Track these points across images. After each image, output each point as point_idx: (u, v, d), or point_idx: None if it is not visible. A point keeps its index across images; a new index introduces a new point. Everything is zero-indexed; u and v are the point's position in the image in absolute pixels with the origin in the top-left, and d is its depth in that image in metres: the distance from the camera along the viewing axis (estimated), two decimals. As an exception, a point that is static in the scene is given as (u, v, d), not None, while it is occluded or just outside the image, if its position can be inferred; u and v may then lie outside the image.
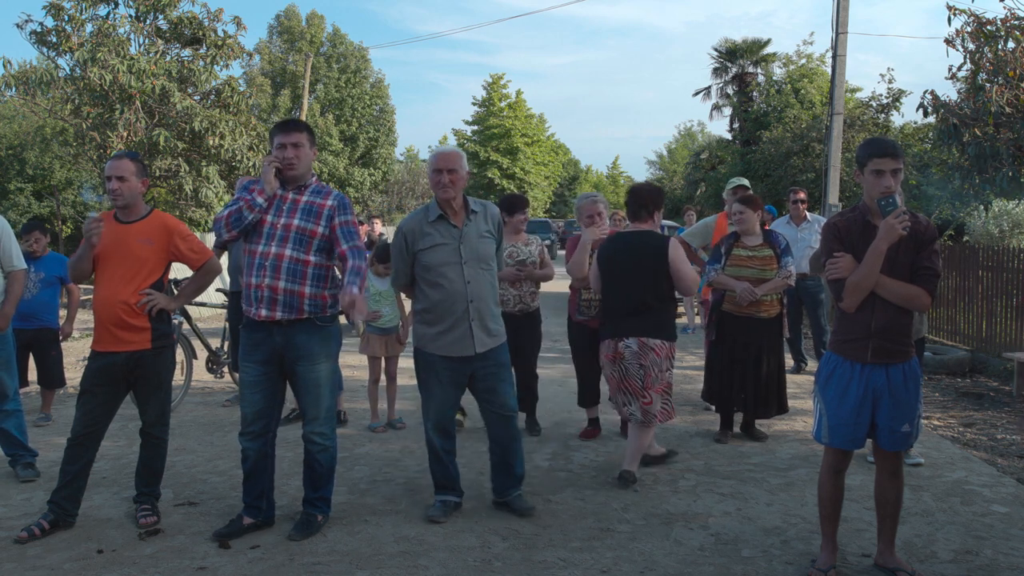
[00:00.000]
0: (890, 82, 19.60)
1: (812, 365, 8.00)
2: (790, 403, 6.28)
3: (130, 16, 14.49)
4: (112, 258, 3.86)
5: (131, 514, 4.04)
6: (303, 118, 24.93)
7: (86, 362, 4.00)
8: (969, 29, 9.65)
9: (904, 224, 3.00)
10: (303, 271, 3.64)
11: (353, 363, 8.50)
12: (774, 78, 28.52)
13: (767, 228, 5.61)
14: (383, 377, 6.00)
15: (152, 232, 3.91)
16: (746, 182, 7.03)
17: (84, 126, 13.80)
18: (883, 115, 19.45)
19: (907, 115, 37.28)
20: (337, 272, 3.82)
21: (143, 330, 3.88)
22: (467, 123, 44.97)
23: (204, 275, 4.08)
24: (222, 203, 14.78)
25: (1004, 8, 12.47)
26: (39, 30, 13.80)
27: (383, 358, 5.97)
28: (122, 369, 3.89)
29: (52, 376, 6.14)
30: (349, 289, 3.56)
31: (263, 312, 3.64)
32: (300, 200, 3.71)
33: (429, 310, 3.94)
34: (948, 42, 9.82)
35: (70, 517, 3.88)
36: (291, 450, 4.99)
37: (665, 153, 55.43)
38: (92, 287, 4.14)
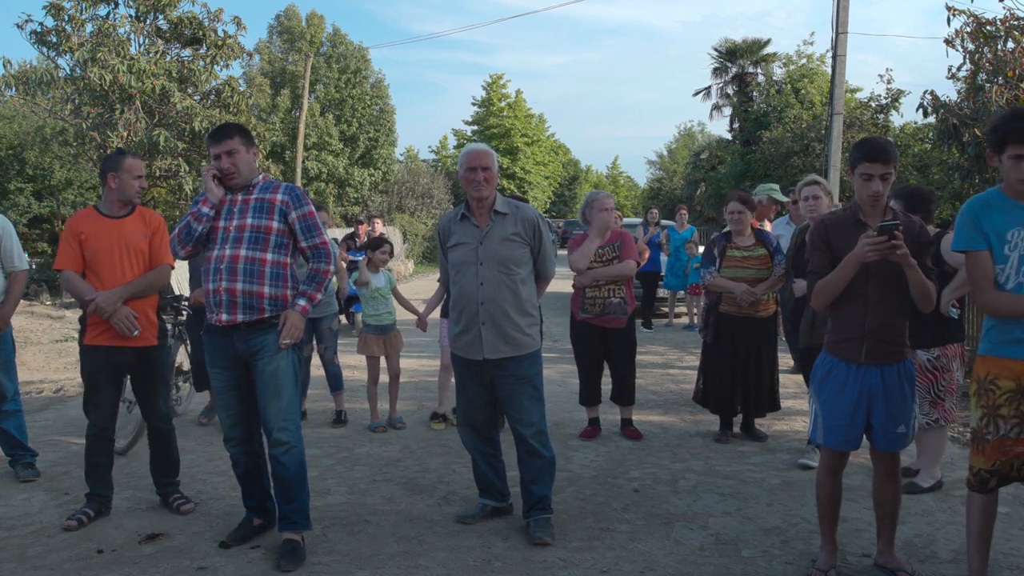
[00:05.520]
0: (889, 82, 19.64)
1: (812, 365, 7.98)
2: (790, 403, 6.29)
3: (130, 16, 14.50)
4: (115, 254, 3.89)
5: (131, 514, 4.05)
6: (303, 118, 24.90)
7: (85, 359, 3.98)
8: (968, 29, 9.64)
9: (879, 253, 2.95)
10: (260, 270, 3.52)
11: (353, 363, 8.49)
12: (774, 78, 28.53)
13: (756, 227, 5.61)
14: (384, 376, 6.00)
15: (145, 225, 4.00)
16: (776, 188, 6.96)
17: (84, 126, 13.80)
18: (882, 115, 19.47)
19: (906, 115, 37.28)
20: (295, 272, 3.71)
21: (152, 326, 3.99)
22: (467, 123, 45.04)
23: (157, 275, 4.02)
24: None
25: (1004, 8, 12.46)
26: (39, 30, 13.81)
27: (383, 357, 5.97)
28: (129, 363, 3.96)
29: None
30: (295, 304, 3.55)
31: (223, 316, 3.51)
32: (250, 199, 3.60)
33: (452, 308, 3.91)
34: (948, 42, 9.81)
35: (108, 502, 4.04)
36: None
37: (665, 153, 55.40)
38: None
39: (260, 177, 3.68)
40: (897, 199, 4.20)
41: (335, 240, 7.54)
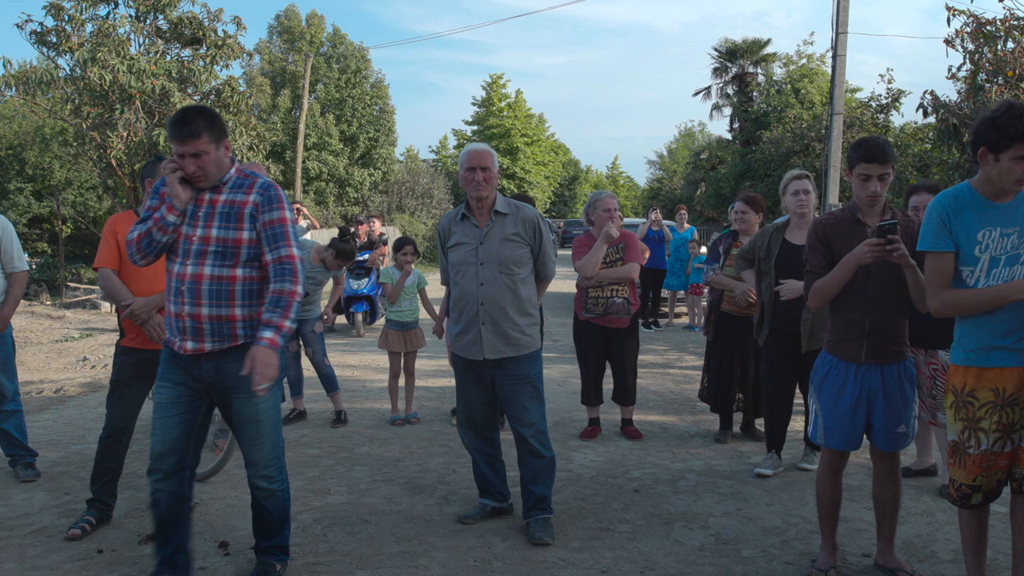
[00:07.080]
0: (889, 82, 19.66)
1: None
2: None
3: (130, 16, 14.50)
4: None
5: (131, 514, 4.05)
6: (303, 118, 24.90)
7: (118, 358, 3.97)
8: (968, 29, 9.65)
9: (877, 255, 2.94)
10: (229, 290, 3.01)
11: (353, 363, 8.50)
12: (774, 78, 28.55)
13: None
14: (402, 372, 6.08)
15: None
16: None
17: (84, 126, 13.81)
18: (882, 115, 19.48)
19: (907, 115, 37.32)
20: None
21: None
22: (467, 123, 45.12)
23: None
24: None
25: (1003, 8, 12.48)
26: (39, 30, 13.80)
27: (403, 353, 6.03)
28: (156, 365, 3.92)
29: None
30: (260, 338, 2.90)
31: (189, 345, 3.02)
32: (217, 201, 3.05)
33: (453, 308, 3.91)
34: (948, 42, 9.83)
35: (110, 510, 3.96)
36: (290, 450, 4.98)
37: (665, 153, 55.43)
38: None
39: (233, 171, 3.11)
40: (932, 192, 4.28)
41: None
